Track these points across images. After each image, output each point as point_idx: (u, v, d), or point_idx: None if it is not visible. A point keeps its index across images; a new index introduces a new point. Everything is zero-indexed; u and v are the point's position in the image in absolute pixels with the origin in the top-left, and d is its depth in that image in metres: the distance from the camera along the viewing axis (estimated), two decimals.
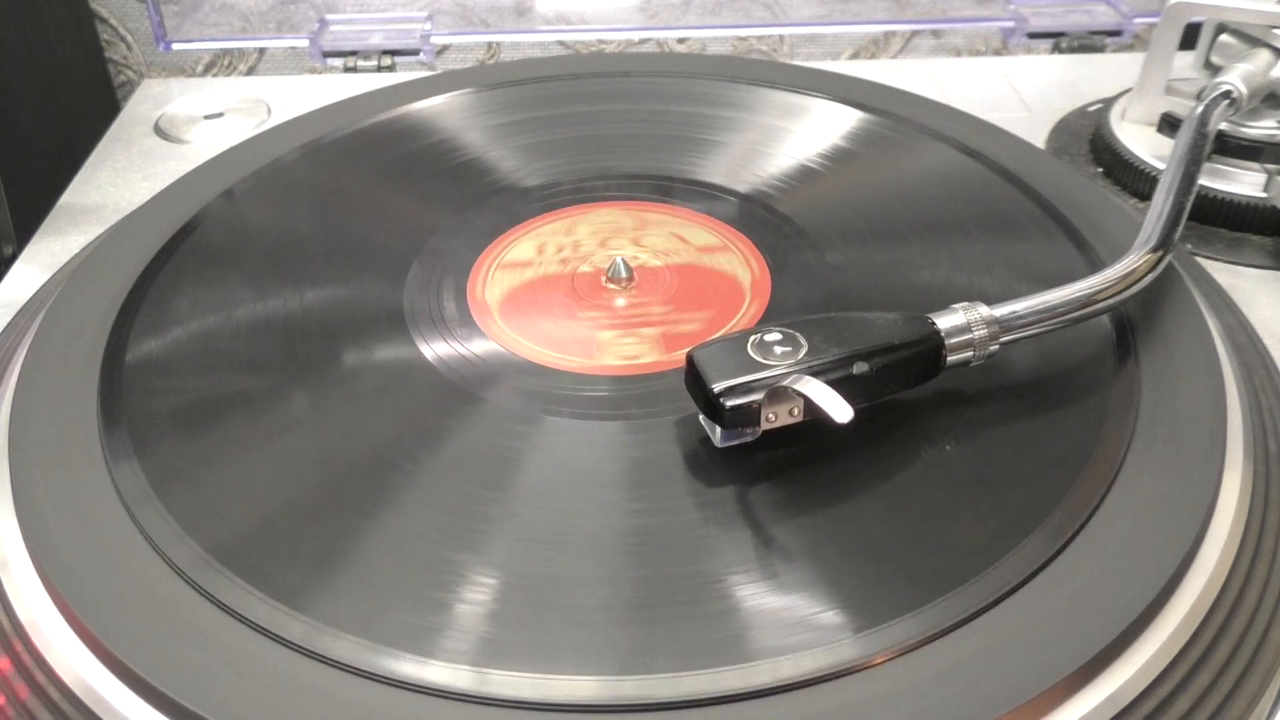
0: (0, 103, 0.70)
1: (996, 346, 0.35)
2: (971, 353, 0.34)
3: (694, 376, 0.33)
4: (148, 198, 0.48)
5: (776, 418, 0.32)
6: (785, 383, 0.32)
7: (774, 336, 0.33)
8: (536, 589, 0.30)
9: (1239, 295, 0.45)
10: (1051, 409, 0.36)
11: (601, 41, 0.87)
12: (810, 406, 0.32)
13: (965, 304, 0.35)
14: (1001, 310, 0.35)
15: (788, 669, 0.27)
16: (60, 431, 0.35)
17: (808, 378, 0.32)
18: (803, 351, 0.33)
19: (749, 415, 0.32)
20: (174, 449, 0.34)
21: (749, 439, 0.33)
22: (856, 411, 0.31)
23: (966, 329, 0.34)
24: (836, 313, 0.35)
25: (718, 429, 0.33)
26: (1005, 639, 0.28)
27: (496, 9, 0.76)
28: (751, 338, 0.33)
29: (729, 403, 0.32)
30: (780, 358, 0.33)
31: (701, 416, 0.34)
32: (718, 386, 0.32)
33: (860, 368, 0.33)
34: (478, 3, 0.76)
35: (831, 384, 0.32)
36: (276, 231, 0.45)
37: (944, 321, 0.34)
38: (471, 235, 0.45)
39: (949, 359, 0.34)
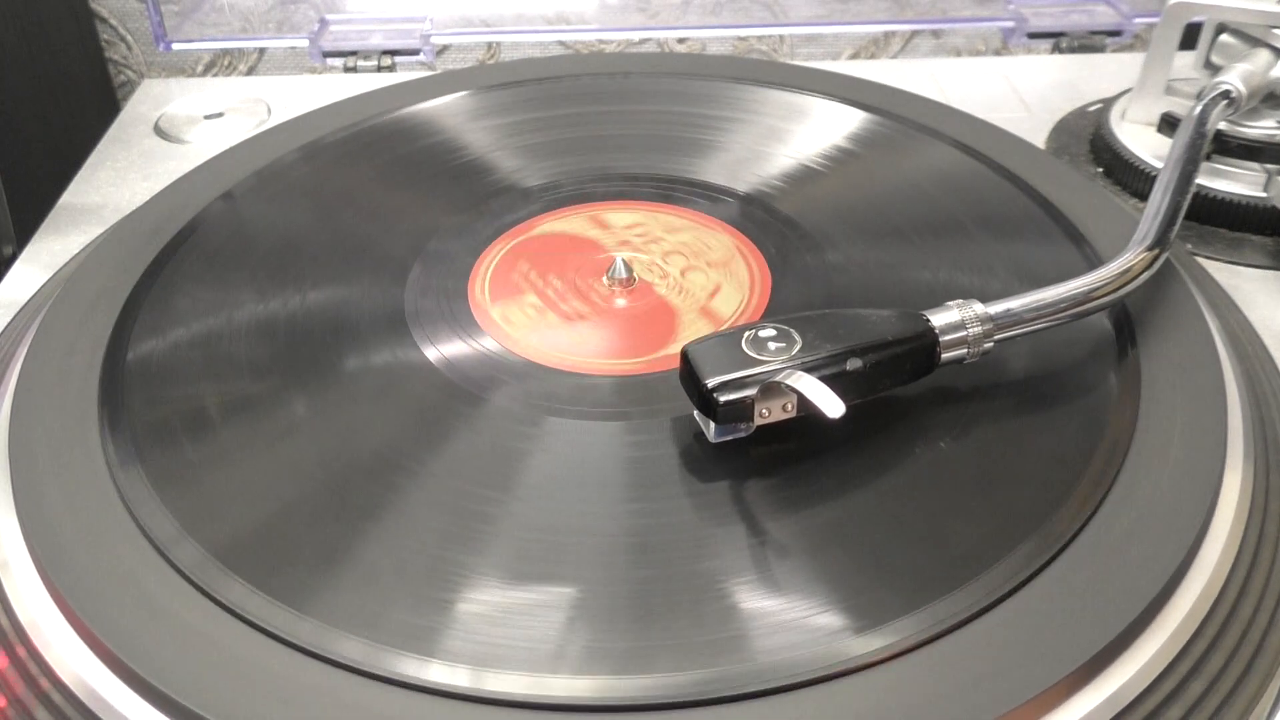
0: (0, 103, 0.70)
1: (991, 344, 0.35)
2: (966, 350, 0.34)
3: (688, 372, 0.33)
4: (148, 198, 0.48)
5: (770, 413, 0.33)
6: (778, 378, 0.32)
7: (768, 332, 0.33)
8: (537, 589, 0.30)
9: (1239, 295, 0.45)
10: (1052, 408, 0.36)
11: (601, 41, 0.87)
12: (803, 402, 0.32)
13: (960, 301, 0.35)
14: (996, 308, 0.35)
15: (787, 669, 0.27)
16: (60, 432, 0.35)
17: (800, 373, 0.32)
18: (796, 347, 0.33)
19: (742, 411, 0.32)
20: (174, 449, 0.34)
21: (743, 434, 0.33)
22: (851, 408, 0.31)
23: (961, 326, 0.34)
24: (831, 309, 0.35)
25: (711, 424, 0.33)
26: (1005, 639, 0.28)
27: (496, 9, 0.76)
28: (746, 334, 0.33)
29: (722, 398, 0.32)
30: (774, 353, 0.33)
31: (696, 412, 0.34)
32: (711, 382, 0.32)
33: (854, 364, 0.33)
34: (478, 2, 0.76)
35: (825, 380, 0.32)
36: (277, 232, 0.45)
37: (938, 319, 0.34)
38: (471, 236, 0.45)
39: (943, 356, 0.34)
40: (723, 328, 0.40)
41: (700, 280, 0.42)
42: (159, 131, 0.61)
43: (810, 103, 0.52)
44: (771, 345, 0.33)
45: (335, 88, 0.63)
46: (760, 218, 0.45)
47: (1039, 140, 0.57)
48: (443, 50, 0.88)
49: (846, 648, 0.28)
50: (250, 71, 0.89)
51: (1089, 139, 0.57)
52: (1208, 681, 0.29)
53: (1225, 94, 0.47)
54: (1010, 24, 0.71)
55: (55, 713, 0.29)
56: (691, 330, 0.39)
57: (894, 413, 0.35)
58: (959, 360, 0.35)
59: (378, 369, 0.38)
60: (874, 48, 0.90)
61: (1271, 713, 0.30)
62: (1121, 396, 0.36)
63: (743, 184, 0.48)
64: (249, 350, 0.39)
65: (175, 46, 0.73)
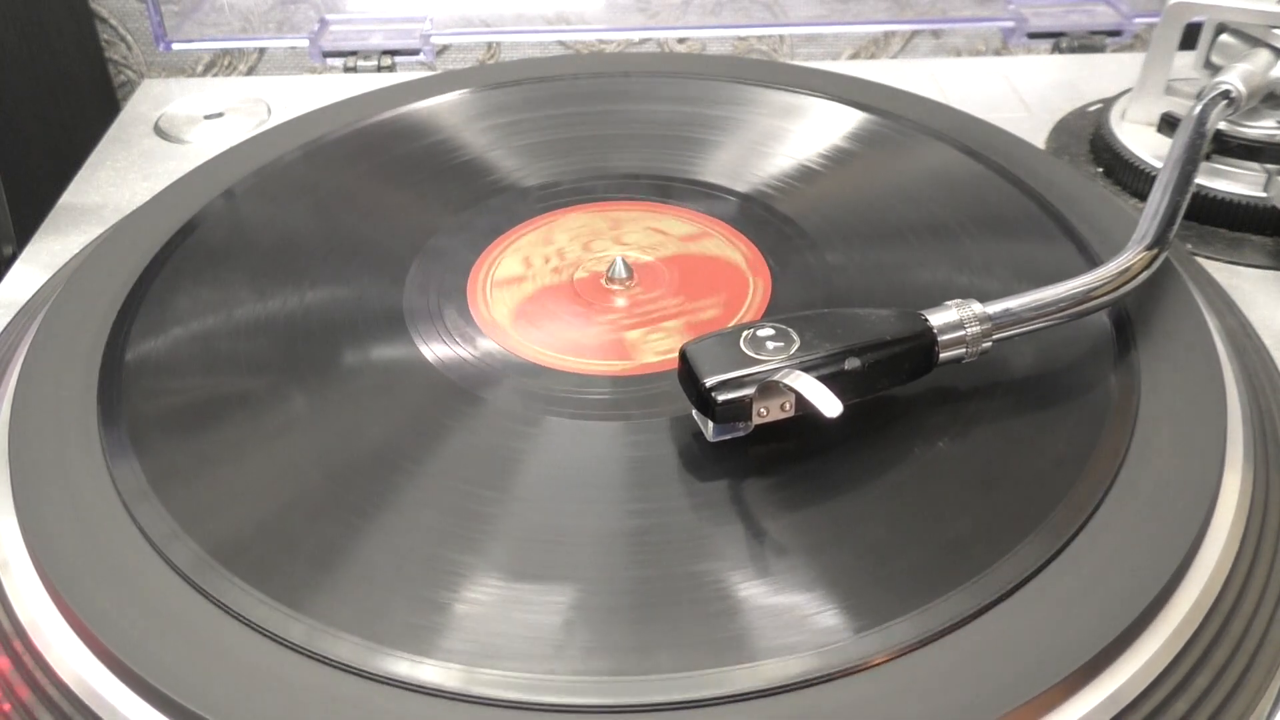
0: (0, 103, 0.70)
1: (989, 344, 0.35)
2: (964, 349, 0.34)
3: (687, 371, 0.33)
4: (148, 198, 0.48)
5: (768, 412, 0.33)
6: (776, 378, 0.32)
7: (766, 332, 0.33)
8: (535, 589, 0.30)
9: (1239, 295, 0.45)
10: (1052, 408, 0.36)
11: (601, 41, 0.87)
12: (801, 401, 0.32)
13: (959, 300, 0.35)
14: (995, 307, 0.35)
15: (787, 669, 0.27)
16: (60, 432, 0.35)
17: (798, 372, 0.32)
18: (795, 347, 0.33)
19: (740, 410, 0.32)
20: (174, 449, 0.35)
21: (741, 434, 0.33)
22: (849, 407, 0.31)
23: (959, 325, 0.34)
24: (830, 308, 0.35)
25: (710, 423, 0.33)
26: (1005, 639, 0.28)
27: (496, 9, 0.76)
28: (744, 333, 0.33)
29: (720, 397, 0.32)
30: (772, 353, 0.33)
31: (694, 411, 0.34)
32: (709, 381, 0.32)
33: (852, 363, 0.33)
34: (478, 2, 0.76)
35: (823, 379, 0.32)
36: (276, 231, 0.45)
37: (937, 318, 0.34)
38: (471, 235, 0.45)
39: (941, 355, 0.34)
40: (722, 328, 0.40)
41: (699, 288, 0.42)
42: (159, 131, 0.61)
43: (810, 103, 0.52)
44: (770, 345, 0.33)
45: (335, 88, 0.63)
46: (760, 218, 0.45)
47: (1039, 140, 0.57)
48: (443, 50, 0.88)
49: (846, 648, 0.28)
50: (250, 71, 0.89)
51: (1089, 139, 0.57)
52: (1208, 681, 0.29)
53: (1225, 94, 0.47)
54: (1010, 24, 0.71)
55: (55, 712, 0.29)
56: (676, 337, 0.39)
57: (892, 412, 0.35)
58: (957, 360, 0.35)
59: (376, 368, 0.38)
60: (874, 48, 0.90)
61: (1271, 713, 0.30)
62: (1121, 396, 0.36)
63: (743, 184, 0.48)
64: (248, 350, 0.39)
65: (175, 46, 0.73)
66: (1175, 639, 0.30)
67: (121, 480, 0.33)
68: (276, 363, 0.38)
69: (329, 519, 0.32)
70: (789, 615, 0.29)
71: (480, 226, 0.45)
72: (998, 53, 0.90)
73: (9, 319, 0.45)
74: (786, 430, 0.34)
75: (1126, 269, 0.37)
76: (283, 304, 0.41)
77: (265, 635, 0.29)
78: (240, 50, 0.87)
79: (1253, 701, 0.30)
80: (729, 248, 0.44)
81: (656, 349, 0.39)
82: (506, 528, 0.32)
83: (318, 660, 0.28)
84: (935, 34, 0.89)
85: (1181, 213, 0.40)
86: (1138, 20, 0.70)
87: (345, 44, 0.70)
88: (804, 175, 0.48)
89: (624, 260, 0.42)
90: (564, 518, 0.32)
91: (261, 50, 0.88)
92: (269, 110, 0.62)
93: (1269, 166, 0.49)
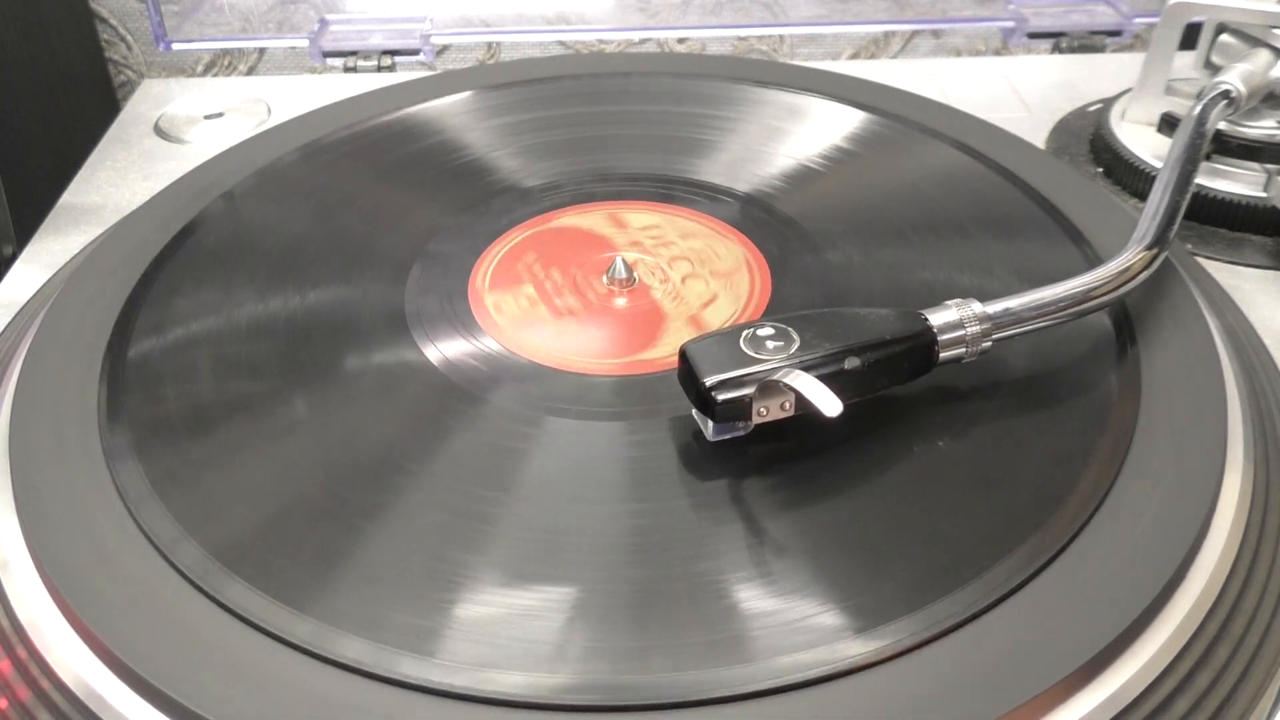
0: (0, 103, 0.70)
1: (989, 344, 0.35)
2: (964, 349, 0.34)
3: (687, 370, 0.33)
4: (148, 198, 0.48)
5: (768, 412, 0.33)
6: (776, 377, 0.32)
7: (766, 331, 0.33)
8: (536, 589, 0.30)
9: (1239, 295, 0.45)
10: (1052, 408, 0.36)
11: (601, 41, 0.87)
12: (801, 401, 0.32)
13: (959, 300, 0.35)
14: (994, 307, 0.35)
15: (786, 669, 0.27)
16: (61, 432, 0.35)
17: (798, 372, 0.32)
18: (795, 346, 0.33)
19: (740, 409, 0.32)
20: (175, 449, 0.34)
21: (741, 433, 0.33)
22: (849, 407, 0.31)
23: (959, 325, 0.34)
24: (830, 308, 0.35)
25: (710, 423, 0.33)
26: (1005, 639, 0.28)
27: (496, 9, 0.76)
28: (744, 332, 0.33)
29: (720, 397, 0.32)
30: (772, 352, 0.33)
31: (694, 411, 0.34)
32: (709, 380, 0.32)
33: (852, 363, 0.33)
34: (478, 2, 0.76)
35: (823, 379, 0.32)
36: (277, 232, 0.45)
37: (937, 318, 0.34)
38: (472, 236, 0.45)
39: (941, 355, 0.34)
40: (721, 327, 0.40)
41: (699, 288, 0.42)
42: (159, 131, 0.61)
43: (810, 103, 0.52)
44: (770, 344, 0.33)
45: (335, 88, 0.63)
46: (760, 218, 0.45)
47: (1039, 140, 0.57)
48: (443, 50, 0.88)
49: (846, 648, 0.28)
50: (250, 71, 0.89)
51: (1089, 139, 0.57)
52: (1208, 682, 0.29)
53: (1225, 94, 0.47)
54: (1010, 24, 0.71)
55: (55, 713, 0.29)
56: (677, 336, 0.39)
57: (892, 412, 0.35)
58: (957, 359, 0.35)
59: (378, 369, 0.38)
60: (874, 48, 0.90)
61: (1272, 712, 0.30)
62: (1121, 396, 0.36)
63: (743, 184, 0.48)
64: (249, 350, 0.39)
65: (175, 46, 0.73)
66: (1175, 639, 0.30)
67: (122, 480, 0.33)
68: (278, 364, 0.38)
69: (332, 520, 0.32)
70: (788, 615, 0.29)
71: (480, 227, 0.45)
72: (998, 53, 0.90)
73: (9, 319, 0.45)
74: (786, 430, 0.34)
75: (1126, 269, 0.37)
76: (284, 304, 0.41)
77: (267, 636, 0.29)
78: (240, 50, 0.87)
79: (1253, 702, 0.30)
80: (737, 258, 0.44)
81: (656, 349, 0.39)
82: (508, 528, 0.32)
83: (319, 660, 0.28)
84: (935, 34, 0.89)
85: (1181, 213, 0.40)
86: (1138, 20, 0.70)
87: (345, 44, 0.70)
88: (804, 175, 0.48)
89: (624, 260, 0.42)
90: (565, 518, 0.32)
91: (261, 50, 0.88)
92: (269, 110, 0.62)
93: (1269, 166, 0.49)
